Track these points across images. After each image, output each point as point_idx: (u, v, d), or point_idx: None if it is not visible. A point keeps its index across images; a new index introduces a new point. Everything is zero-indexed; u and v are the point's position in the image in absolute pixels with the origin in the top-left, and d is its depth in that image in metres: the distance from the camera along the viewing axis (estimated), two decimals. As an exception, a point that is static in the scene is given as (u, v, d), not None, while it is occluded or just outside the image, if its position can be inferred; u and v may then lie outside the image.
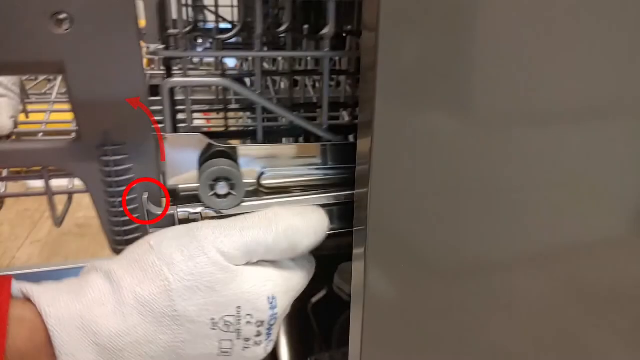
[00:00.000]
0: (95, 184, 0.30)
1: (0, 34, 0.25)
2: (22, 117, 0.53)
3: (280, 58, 0.59)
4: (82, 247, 1.63)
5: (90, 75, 0.27)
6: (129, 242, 0.29)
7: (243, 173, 0.31)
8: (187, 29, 0.40)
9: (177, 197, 0.31)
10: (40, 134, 0.52)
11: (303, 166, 0.33)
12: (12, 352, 0.23)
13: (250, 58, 0.64)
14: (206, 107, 0.62)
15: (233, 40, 0.48)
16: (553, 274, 0.31)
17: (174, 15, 0.33)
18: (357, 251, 0.29)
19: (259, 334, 0.28)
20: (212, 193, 0.30)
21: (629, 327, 0.34)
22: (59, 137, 0.38)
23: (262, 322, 0.28)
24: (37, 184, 0.35)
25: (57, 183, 0.35)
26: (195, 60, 0.78)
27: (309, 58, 0.58)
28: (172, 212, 0.30)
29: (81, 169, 0.29)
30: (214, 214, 0.31)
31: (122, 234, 0.31)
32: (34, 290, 0.25)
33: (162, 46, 0.41)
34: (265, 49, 0.50)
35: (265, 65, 0.64)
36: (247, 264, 0.28)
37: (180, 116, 0.44)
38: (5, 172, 0.40)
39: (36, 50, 0.26)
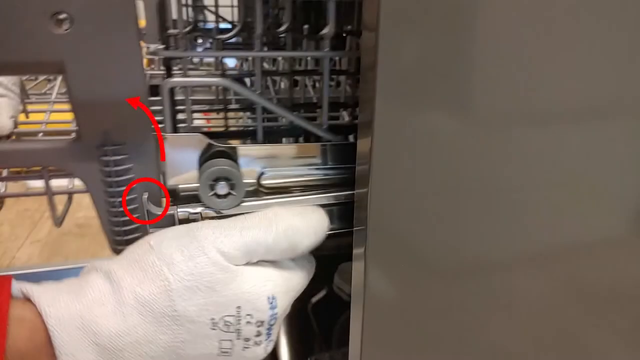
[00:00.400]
0: (95, 184, 0.30)
1: (0, 34, 0.25)
2: (22, 117, 0.53)
3: (280, 58, 0.59)
4: (82, 247, 1.63)
5: (90, 75, 0.27)
6: (129, 242, 0.29)
7: (243, 173, 0.31)
8: (187, 29, 0.40)
9: (177, 197, 0.31)
10: (40, 134, 0.52)
11: (303, 166, 0.33)
12: (12, 352, 0.23)
13: (250, 58, 0.64)
14: (206, 107, 0.62)
15: (233, 40, 0.48)
16: (553, 274, 0.31)
17: (174, 15, 0.33)
18: (357, 251, 0.29)
19: (259, 334, 0.28)
20: (212, 193, 0.30)
21: (629, 327, 0.34)
22: (59, 137, 0.38)
23: (262, 322, 0.28)
24: (37, 184, 0.35)
25: (57, 183, 0.35)
26: (195, 60, 0.78)
27: (309, 58, 0.58)
28: (172, 212, 0.30)
29: (81, 169, 0.29)
30: (214, 214, 0.31)
31: (122, 234, 0.31)
32: (34, 290, 0.25)
33: (162, 46, 0.41)
34: (265, 49, 0.50)
35: (265, 65, 0.64)
36: (247, 264, 0.28)
37: (180, 116, 0.44)
38: (5, 172, 0.40)
39: (36, 50, 0.26)
